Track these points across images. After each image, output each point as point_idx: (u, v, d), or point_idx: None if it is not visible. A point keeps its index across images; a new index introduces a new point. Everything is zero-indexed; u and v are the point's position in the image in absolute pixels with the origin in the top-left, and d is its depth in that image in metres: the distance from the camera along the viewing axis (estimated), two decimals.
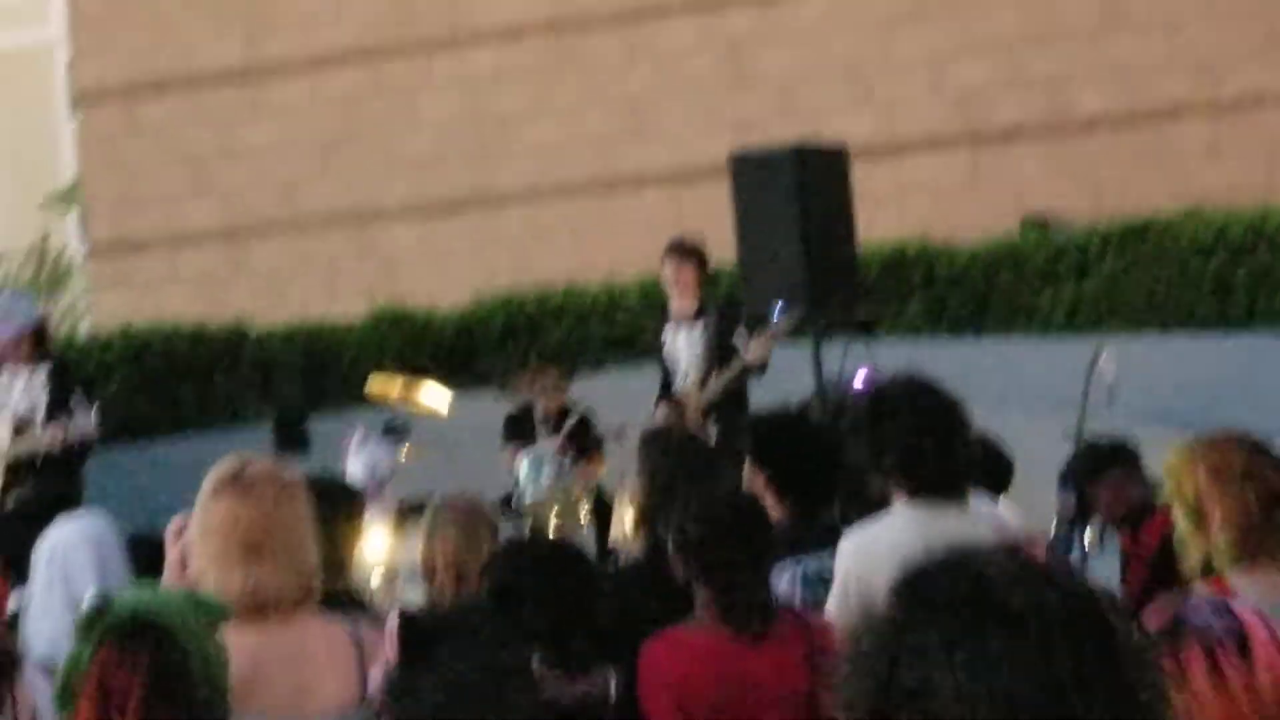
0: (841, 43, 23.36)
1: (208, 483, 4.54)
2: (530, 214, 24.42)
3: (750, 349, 11.52)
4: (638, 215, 23.34)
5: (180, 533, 4.51)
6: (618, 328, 20.15)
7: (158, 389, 19.71)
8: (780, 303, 11.13)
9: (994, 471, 7.83)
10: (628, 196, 23.91)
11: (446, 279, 23.60)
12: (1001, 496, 7.58)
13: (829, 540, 6.21)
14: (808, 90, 23.27)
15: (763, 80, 23.66)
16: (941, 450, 5.87)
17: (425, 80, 25.27)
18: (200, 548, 4.46)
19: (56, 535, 5.93)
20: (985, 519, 6.11)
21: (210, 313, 22.75)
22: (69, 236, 41.01)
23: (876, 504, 6.16)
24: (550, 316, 20.78)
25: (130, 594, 3.84)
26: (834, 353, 12.02)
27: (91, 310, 27.96)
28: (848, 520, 6.51)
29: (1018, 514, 7.44)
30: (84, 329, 25.51)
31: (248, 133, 26.00)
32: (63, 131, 45.65)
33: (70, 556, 5.80)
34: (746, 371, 11.69)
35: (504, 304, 21.21)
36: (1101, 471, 8.54)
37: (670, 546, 5.64)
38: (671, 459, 6.85)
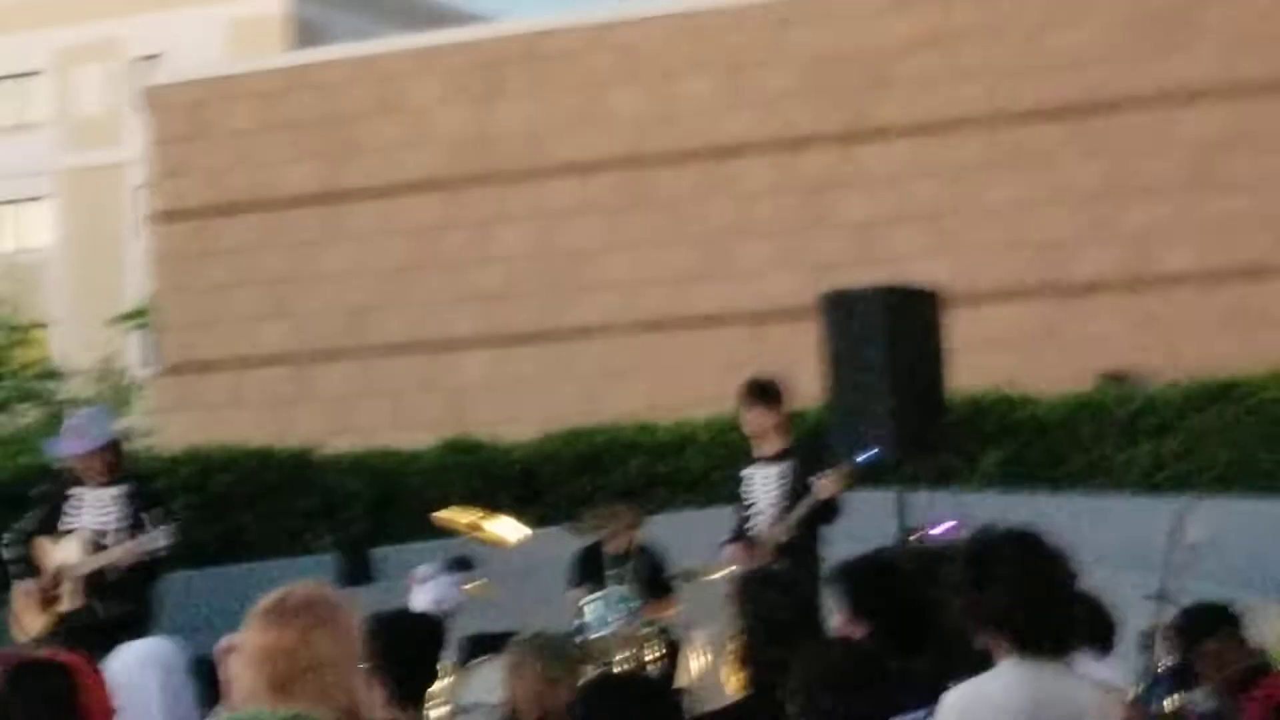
0: (923, 188, 23.33)
1: (253, 609, 4.32)
2: (602, 350, 24.39)
3: (822, 485, 11.25)
4: (712, 353, 23.22)
5: (229, 651, 4.37)
6: (689, 467, 19.89)
7: (222, 513, 19.54)
8: (872, 448, 10.84)
9: (1098, 631, 7.55)
10: (702, 334, 23.83)
11: (515, 411, 23.57)
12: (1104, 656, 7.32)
13: (927, 696, 5.91)
14: (887, 234, 23.21)
15: (842, 222, 23.65)
16: (1049, 607, 5.59)
17: (500, 212, 25.32)
18: (238, 679, 4.27)
19: (124, 658, 5.76)
20: (1090, 680, 5.84)
21: (276, 437, 22.61)
22: (134, 356, 41.09)
23: (973, 658, 5.84)
24: (620, 453, 20.54)
25: None
26: (916, 500, 11.75)
27: (157, 430, 27.90)
28: (940, 675, 6.19)
29: (1117, 674, 7.16)
30: (149, 449, 25.43)
31: (321, 258, 26.09)
32: (130, 251, 45.94)
33: (137, 680, 5.60)
34: (817, 510, 11.40)
35: (574, 438, 21.02)
36: (1205, 635, 8.26)
37: (789, 697, 5.46)
38: (773, 602, 6.58)
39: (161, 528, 10.55)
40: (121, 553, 10.56)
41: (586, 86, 25.21)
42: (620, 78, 25.08)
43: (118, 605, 10.41)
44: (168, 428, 26.62)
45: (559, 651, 6.48)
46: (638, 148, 24.83)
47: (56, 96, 48.62)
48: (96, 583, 10.60)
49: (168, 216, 27.45)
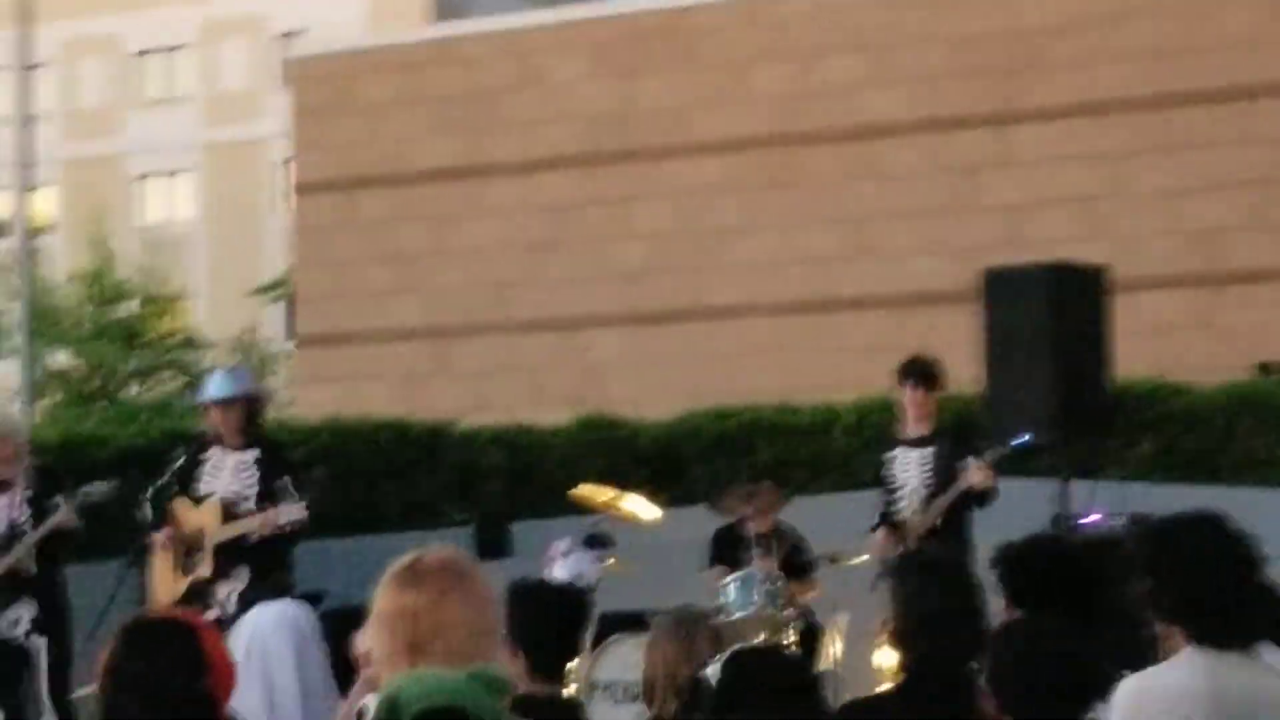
0: (1077, 171, 22.99)
1: (386, 572, 4.21)
2: (742, 330, 24.22)
3: (973, 472, 10.94)
4: (854, 337, 23.05)
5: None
6: (831, 450, 19.66)
7: (358, 485, 19.50)
8: (1026, 433, 10.48)
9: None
10: (844, 318, 23.66)
11: (654, 390, 23.48)
12: None
13: (1103, 687, 5.63)
14: (1039, 218, 22.89)
15: (992, 206, 23.32)
16: (1233, 594, 5.41)
17: (641, 189, 25.23)
18: (374, 646, 4.15)
19: (254, 621, 5.56)
20: (1276, 670, 5.60)
21: (412, 411, 22.59)
22: (273, 328, 41.36)
23: (1140, 646, 5.83)
24: (761, 434, 20.34)
25: (413, 687, 3.72)
26: (1071, 489, 11.41)
27: (293, 402, 28.02)
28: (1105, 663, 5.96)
29: None
30: (286, 421, 25.54)
31: (460, 232, 26.11)
32: (270, 226, 46.28)
33: (270, 644, 5.46)
34: (966, 496, 11.09)
35: (714, 418, 20.85)
36: None
37: (986, 680, 5.29)
38: (934, 587, 6.27)
39: (298, 501, 10.42)
40: (259, 523, 10.45)
41: (731, 63, 25.03)
42: (766, 55, 24.86)
43: (251, 574, 10.32)
44: (304, 400, 26.76)
45: (698, 627, 6.36)
46: (782, 126, 24.57)
47: (201, 71, 49.03)
48: (231, 550, 10.49)
49: (308, 189, 27.57)
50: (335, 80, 27.30)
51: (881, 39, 24.38)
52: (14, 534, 10.90)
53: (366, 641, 4.22)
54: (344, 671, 5.41)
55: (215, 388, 11.00)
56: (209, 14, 48.56)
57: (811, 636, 11.86)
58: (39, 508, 10.92)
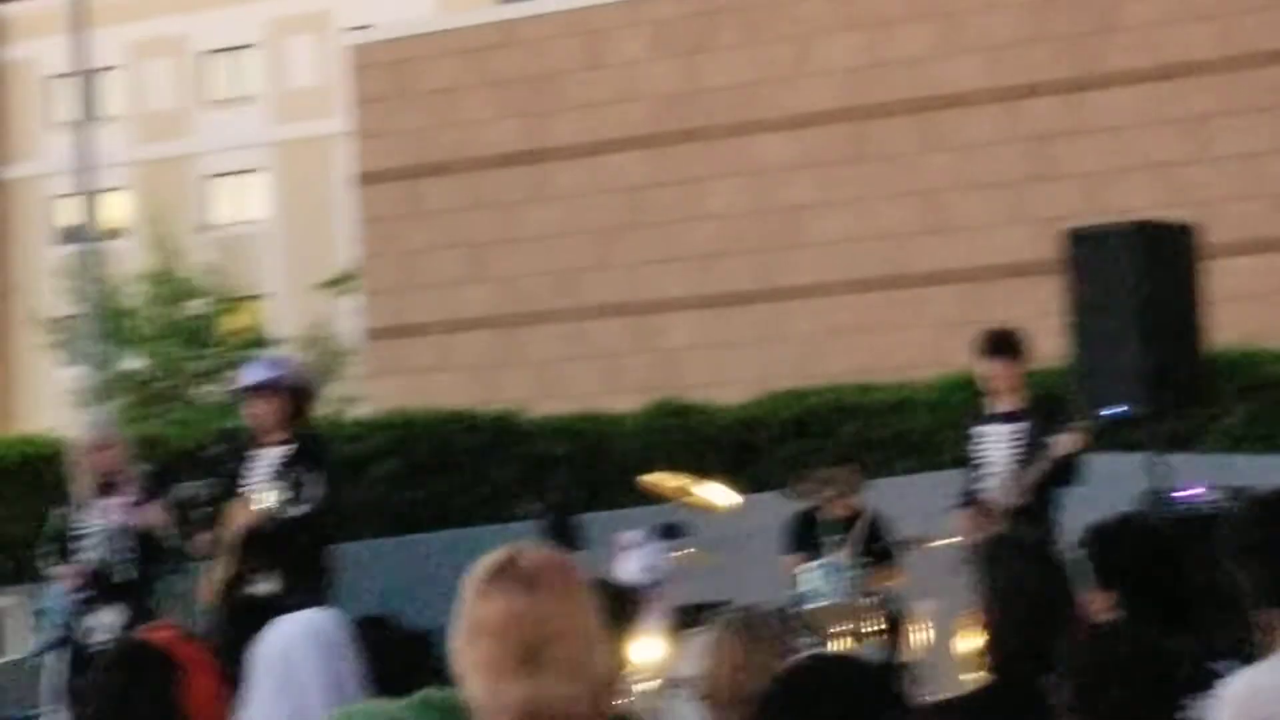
0: (1155, 137, 22.70)
1: (476, 574, 3.81)
2: (818, 309, 24.09)
3: (1060, 443, 10.55)
4: (932, 313, 22.90)
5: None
6: (912, 429, 19.35)
7: (425, 478, 19.29)
8: (1117, 403, 9.99)
9: None
10: (922, 292, 23.48)
11: (728, 374, 23.36)
12: None
13: (1200, 681, 5.28)
14: (1118, 185, 22.65)
15: (1070, 173, 23.07)
16: None
17: (711, 168, 25.08)
18: (465, 652, 3.77)
19: (281, 632, 5.21)
20: None
21: (483, 401, 22.51)
22: (345, 323, 41.22)
23: (1241, 637, 5.30)
24: (839, 415, 20.10)
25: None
26: (1165, 462, 10.94)
27: (365, 396, 27.90)
28: (1202, 655, 5.69)
29: None
30: (359, 414, 25.46)
31: (528, 218, 26.02)
32: (342, 223, 46.21)
33: (295, 656, 5.10)
34: (1055, 471, 10.68)
35: (790, 400, 20.61)
36: None
37: (1056, 683, 4.89)
38: (1024, 572, 5.85)
39: (304, 493, 10.02)
40: (247, 518, 10.09)
41: (799, 36, 24.80)
42: (835, 26, 24.63)
43: (274, 575, 9.97)
44: (375, 393, 26.70)
45: (762, 631, 5.93)
46: (852, 100, 24.37)
47: (269, 69, 49.07)
48: (254, 551, 10.13)
49: (372, 178, 27.47)
50: (398, 65, 27.24)
51: (951, 6, 24.11)
52: (114, 536, 10.87)
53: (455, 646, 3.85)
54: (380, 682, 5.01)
55: (243, 376, 10.70)
56: (275, 12, 48.63)
57: (896, 625, 11.60)
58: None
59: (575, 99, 25.91)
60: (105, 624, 10.70)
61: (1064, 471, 10.74)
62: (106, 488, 10.91)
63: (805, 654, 6.55)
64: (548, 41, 26.32)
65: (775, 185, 24.67)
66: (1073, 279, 10.67)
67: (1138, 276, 10.17)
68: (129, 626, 10.39)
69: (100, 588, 10.76)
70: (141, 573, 10.87)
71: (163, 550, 10.95)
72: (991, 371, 11.12)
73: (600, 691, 3.83)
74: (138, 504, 10.87)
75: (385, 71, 27.26)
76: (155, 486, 10.96)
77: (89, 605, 10.78)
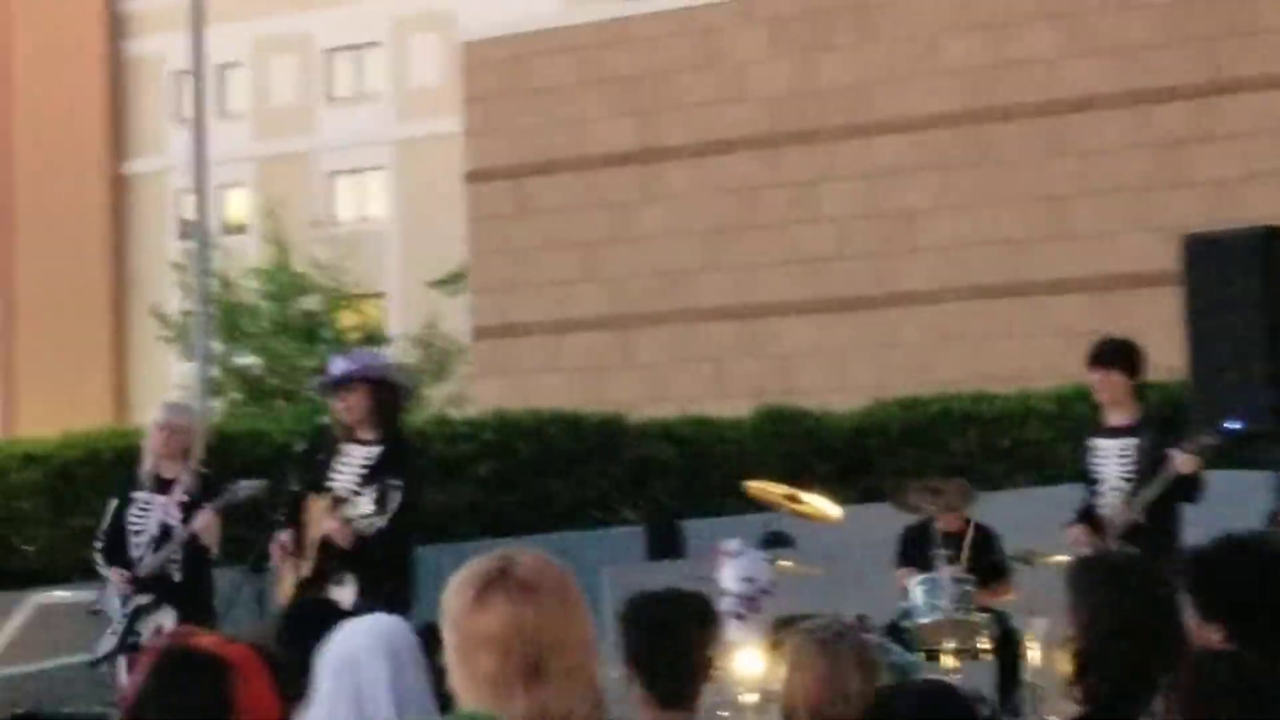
0: None
1: (467, 583, 3.70)
2: (933, 316, 23.90)
3: (1182, 459, 10.13)
4: (1052, 321, 22.61)
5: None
6: (1030, 440, 19.02)
7: (525, 480, 19.09)
8: (1241, 416, 9.52)
9: None
10: (1042, 301, 23.20)
11: (839, 380, 23.28)
12: None
13: None
14: (1249, 193, 22.19)
15: (1199, 181, 22.70)
16: None
17: (825, 170, 24.90)
18: (462, 666, 3.70)
19: (345, 637, 5.04)
20: None
21: (591, 403, 22.41)
22: (457, 322, 41.22)
23: None
24: (954, 425, 19.83)
25: None
26: None
27: (472, 396, 27.88)
28: None
29: None
30: (469, 414, 25.48)
31: (638, 218, 25.96)
32: (460, 219, 46.23)
33: (363, 663, 4.95)
34: (1175, 488, 10.29)
35: (904, 408, 20.35)
36: None
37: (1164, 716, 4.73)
38: (1122, 595, 5.42)
39: (389, 504, 9.69)
40: (330, 531, 9.78)
41: (918, 36, 24.59)
42: (955, 26, 24.37)
43: (351, 579, 9.64)
44: (481, 393, 26.71)
45: (841, 644, 5.57)
46: (973, 102, 24.10)
47: (391, 68, 49.25)
48: (332, 554, 9.83)
49: (481, 176, 27.45)
50: (510, 63, 27.23)
51: (1078, 6, 23.80)
52: (165, 536, 10.59)
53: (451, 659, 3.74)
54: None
55: (329, 368, 10.49)
56: (399, 11, 48.82)
57: (1008, 642, 11.27)
58: (190, 514, 10.57)
59: (688, 98, 25.85)
60: (152, 627, 10.43)
61: (1185, 488, 10.34)
62: (164, 484, 10.64)
63: (891, 684, 6.20)
64: (661, 40, 26.25)
65: (891, 188, 24.48)
66: (1191, 288, 10.22)
67: (1262, 285, 9.69)
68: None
69: (158, 590, 10.53)
70: (195, 575, 10.61)
71: (209, 556, 10.67)
72: (1098, 383, 10.80)
73: (600, 699, 3.74)
74: (186, 506, 10.58)
75: (497, 69, 27.26)
76: (204, 489, 10.63)
77: (147, 609, 10.54)
